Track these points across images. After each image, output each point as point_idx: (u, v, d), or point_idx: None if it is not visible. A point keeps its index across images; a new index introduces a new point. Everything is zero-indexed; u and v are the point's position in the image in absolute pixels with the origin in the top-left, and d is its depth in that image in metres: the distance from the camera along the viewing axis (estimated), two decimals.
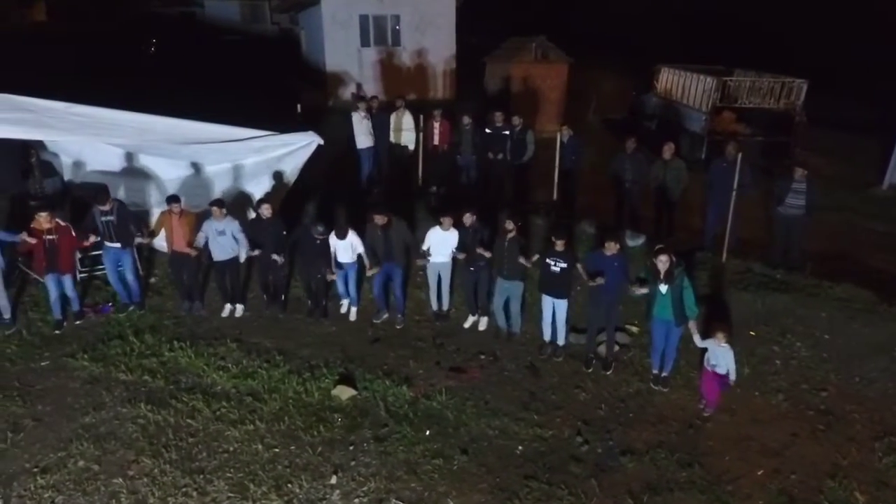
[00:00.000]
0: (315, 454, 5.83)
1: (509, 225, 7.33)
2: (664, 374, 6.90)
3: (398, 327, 8.05)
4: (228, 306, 8.24)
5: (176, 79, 18.05)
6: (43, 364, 6.98)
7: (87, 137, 8.17)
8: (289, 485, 5.46)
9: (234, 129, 8.62)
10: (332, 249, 7.85)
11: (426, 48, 20.00)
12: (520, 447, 6.02)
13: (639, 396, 6.73)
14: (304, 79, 21.67)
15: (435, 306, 8.20)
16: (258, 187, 9.27)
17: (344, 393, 6.68)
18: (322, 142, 8.87)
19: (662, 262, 6.39)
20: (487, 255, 7.44)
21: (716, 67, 15.43)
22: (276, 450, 5.87)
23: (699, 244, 9.29)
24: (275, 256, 7.86)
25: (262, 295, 8.40)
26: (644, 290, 6.74)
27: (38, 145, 9.30)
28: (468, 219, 7.61)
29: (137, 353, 7.19)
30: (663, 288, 6.45)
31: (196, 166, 9.39)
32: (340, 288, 8.18)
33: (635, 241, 8.90)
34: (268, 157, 9.14)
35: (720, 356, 6.32)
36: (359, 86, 19.18)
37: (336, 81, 19.41)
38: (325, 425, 6.18)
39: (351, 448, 5.94)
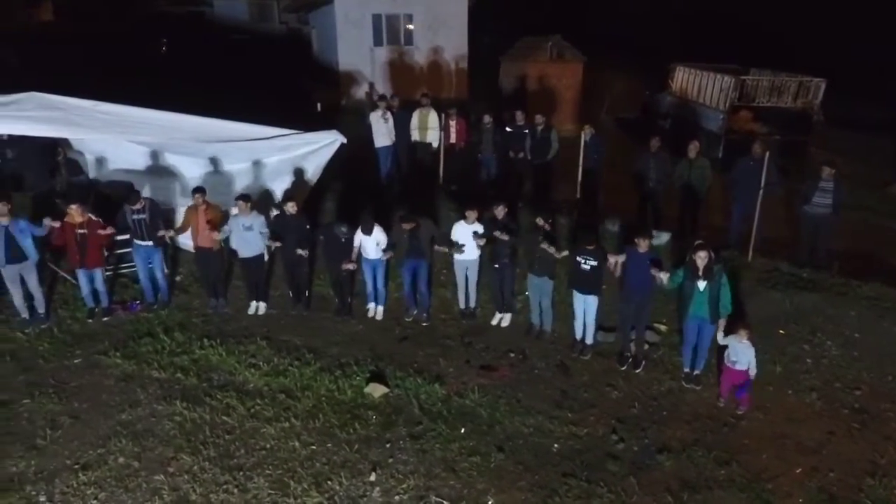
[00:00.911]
0: (352, 451, 5.84)
1: (539, 221, 7.36)
2: (696, 371, 6.90)
3: (424, 324, 8.06)
4: (254, 304, 8.25)
5: (187, 78, 18.06)
6: (76, 361, 7.00)
7: (114, 135, 8.18)
8: (328, 482, 5.48)
9: (258, 127, 8.68)
10: (356, 245, 7.82)
11: (438, 47, 20.01)
12: (555, 445, 6.02)
13: (671, 395, 6.73)
14: (315, 78, 21.71)
15: (462, 304, 8.21)
16: (281, 186, 9.29)
17: (376, 391, 6.69)
18: (345, 140, 8.91)
19: (701, 258, 6.39)
20: (505, 237, 7.44)
21: (730, 66, 15.43)
22: (313, 447, 5.89)
23: (722, 242, 9.28)
24: (300, 251, 7.84)
25: (289, 293, 8.41)
26: (664, 276, 6.68)
27: (64, 143, 9.35)
28: (500, 212, 7.61)
29: (168, 351, 7.20)
30: (701, 285, 6.44)
31: (220, 165, 9.41)
32: (369, 286, 8.15)
33: (660, 239, 8.88)
34: (291, 155, 9.18)
35: (740, 353, 6.32)
36: (371, 85, 19.19)
37: (349, 81, 19.41)
38: (360, 423, 6.20)
39: (387, 445, 5.95)
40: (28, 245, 7.29)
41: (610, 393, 6.81)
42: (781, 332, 7.56)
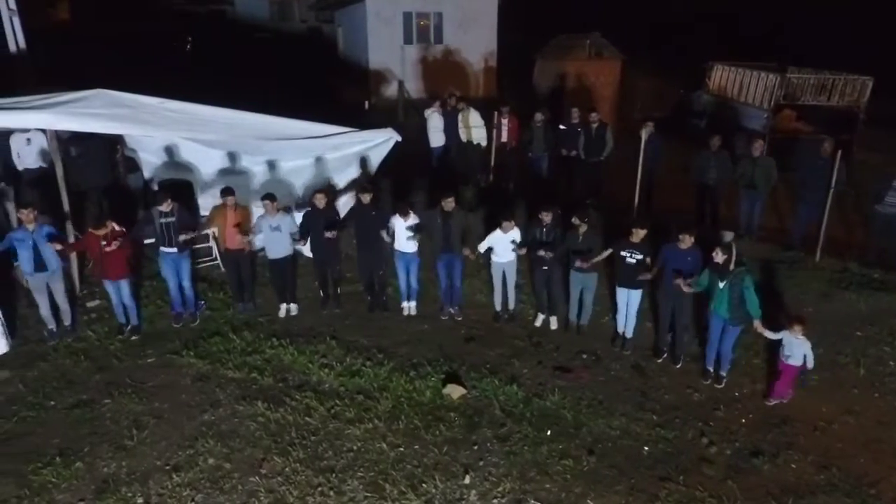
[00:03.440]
0: (442, 454, 5.75)
1: (581, 220, 7.26)
2: (721, 372, 6.80)
3: (458, 319, 7.99)
4: (284, 306, 8.08)
5: (214, 76, 18.04)
6: (149, 361, 6.94)
7: (181, 133, 8.09)
8: (423, 484, 5.39)
9: (316, 125, 8.61)
10: (391, 228, 7.70)
11: (468, 45, 19.95)
12: (645, 448, 5.92)
13: (754, 397, 6.61)
14: (342, 77, 21.67)
15: (499, 307, 8.08)
16: (337, 183, 9.24)
17: (455, 392, 6.60)
18: (400, 138, 8.82)
19: (717, 255, 6.35)
20: (548, 255, 7.31)
21: (768, 64, 15.29)
22: (401, 449, 5.80)
23: (784, 242, 9.19)
24: (327, 233, 7.62)
25: (320, 292, 8.27)
26: (689, 288, 6.57)
27: (120, 141, 9.30)
28: (546, 216, 7.50)
29: (240, 350, 7.14)
30: (721, 283, 6.39)
31: (276, 163, 9.32)
32: (402, 283, 8.06)
33: (726, 238, 8.75)
34: (346, 153, 9.09)
35: (795, 348, 6.25)
36: (401, 83, 19.10)
37: (379, 79, 19.36)
38: (444, 424, 6.11)
39: (475, 448, 5.86)
40: (48, 252, 6.93)
41: (691, 395, 6.70)
42: (858, 333, 7.43)
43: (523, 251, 7.55)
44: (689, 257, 6.69)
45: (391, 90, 19.00)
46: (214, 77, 17.47)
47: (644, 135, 9.54)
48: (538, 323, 7.97)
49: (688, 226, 6.98)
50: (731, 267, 6.34)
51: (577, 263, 7.18)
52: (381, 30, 19.03)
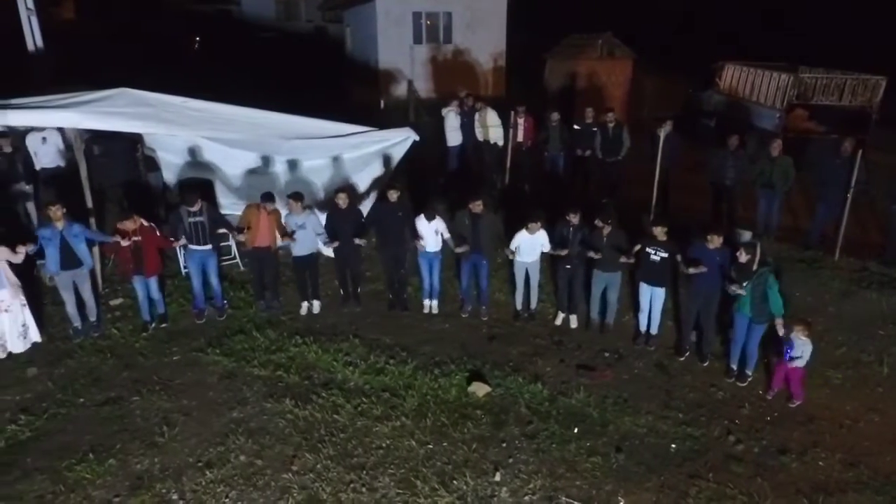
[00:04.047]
0: (470, 451, 5.77)
1: (598, 223, 7.29)
2: (747, 370, 6.84)
3: (483, 319, 8.02)
4: (305, 304, 8.12)
5: (223, 76, 18.07)
6: (175, 359, 6.97)
7: (204, 132, 8.11)
8: (454, 481, 5.41)
9: (336, 124, 8.66)
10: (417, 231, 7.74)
11: (477, 45, 19.97)
12: (673, 445, 5.94)
13: (778, 396, 6.62)
14: (351, 76, 21.70)
15: (520, 305, 8.10)
16: (356, 182, 9.27)
17: (480, 390, 6.63)
18: (418, 138, 8.86)
19: (741, 255, 6.41)
20: (597, 256, 7.30)
21: (779, 64, 15.29)
22: (430, 446, 5.82)
23: (801, 242, 9.20)
24: (357, 241, 7.72)
25: (340, 290, 8.30)
26: (739, 291, 6.54)
27: (140, 140, 9.32)
28: (574, 217, 7.53)
29: (264, 348, 7.17)
30: (744, 282, 6.44)
31: (295, 162, 9.35)
32: (425, 281, 8.11)
33: (744, 237, 8.78)
34: (364, 152, 9.12)
35: (798, 348, 6.27)
36: (410, 83, 19.13)
37: (388, 79, 19.39)
38: (471, 422, 6.13)
39: (503, 445, 5.88)
40: (83, 250, 6.98)
41: (714, 393, 6.72)
42: (881, 332, 7.45)
43: (564, 252, 7.50)
44: (717, 257, 6.71)
45: (401, 90, 19.04)
46: (223, 76, 17.51)
47: (662, 133, 9.56)
48: (558, 322, 8.00)
49: (715, 226, 7.02)
50: (755, 267, 6.37)
51: (622, 259, 7.16)
52: (391, 30, 19.05)
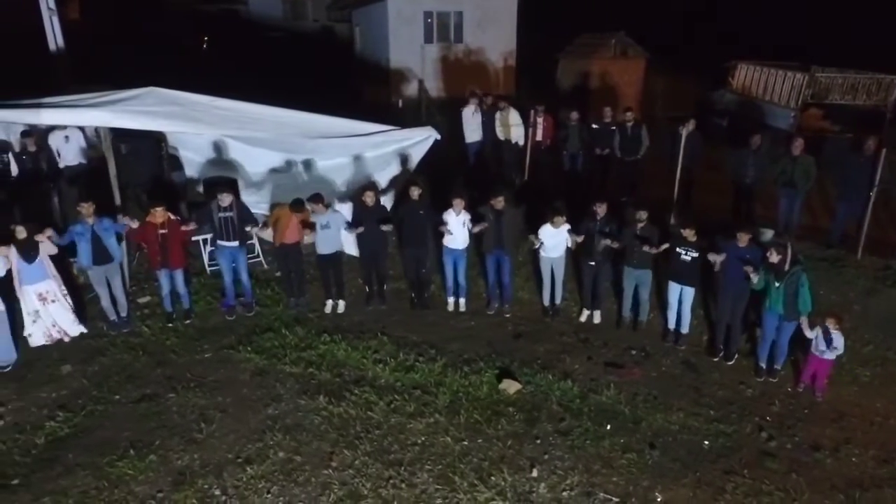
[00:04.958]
0: (506, 447, 5.81)
1: (641, 215, 7.34)
2: (776, 366, 6.91)
3: (506, 316, 8.06)
4: (330, 302, 8.15)
5: (233, 76, 18.08)
6: (206, 356, 7.01)
7: (231, 130, 8.14)
8: (492, 477, 5.45)
9: (358, 123, 8.67)
10: (445, 221, 7.76)
11: (487, 45, 19.99)
12: (706, 442, 5.98)
13: (808, 392, 6.67)
14: (360, 76, 21.72)
15: (547, 302, 8.15)
16: (377, 181, 9.30)
17: (511, 387, 6.67)
18: (440, 136, 8.88)
19: (772, 255, 6.46)
20: (615, 245, 7.40)
21: (792, 64, 15.33)
22: (465, 443, 5.86)
23: (822, 240, 9.23)
24: (383, 227, 7.74)
25: (365, 288, 8.34)
26: (755, 276, 6.61)
27: (164, 138, 9.36)
28: (600, 209, 7.57)
29: (294, 346, 7.21)
30: (776, 282, 6.49)
31: (317, 161, 9.39)
32: (449, 279, 8.13)
33: (765, 237, 8.81)
34: (385, 151, 9.13)
35: (828, 341, 6.37)
36: (421, 82, 19.16)
37: (399, 78, 19.42)
38: (505, 419, 6.18)
39: (538, 442, 5.92)
40: (112, 244, 7.12)
41: (744, 390, 6.77)
42: None
43: (580, 239, 7.56)
44: (747, 255, 6.76)
45: (411, 89, 19.06)
46: (234, 76, 17.52)
47: (684, 132, 9.60)
48: (583, 318, 8.04)
49: (743, 224, 7.07)
50: (787, 266, 6.41)
51: (646, 248, 7.20)
52: (402, 29, 19.07)
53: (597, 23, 20.14)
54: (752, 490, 5.41)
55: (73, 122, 7.72)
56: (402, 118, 13.84)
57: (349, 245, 8.46)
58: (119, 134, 8.47)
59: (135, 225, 7.25)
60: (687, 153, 9.54)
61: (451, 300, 8.26)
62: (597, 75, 15.33)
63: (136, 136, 8.26)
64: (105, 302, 7.27)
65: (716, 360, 7.27)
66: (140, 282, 8.31)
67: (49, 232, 6.81)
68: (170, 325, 7.52)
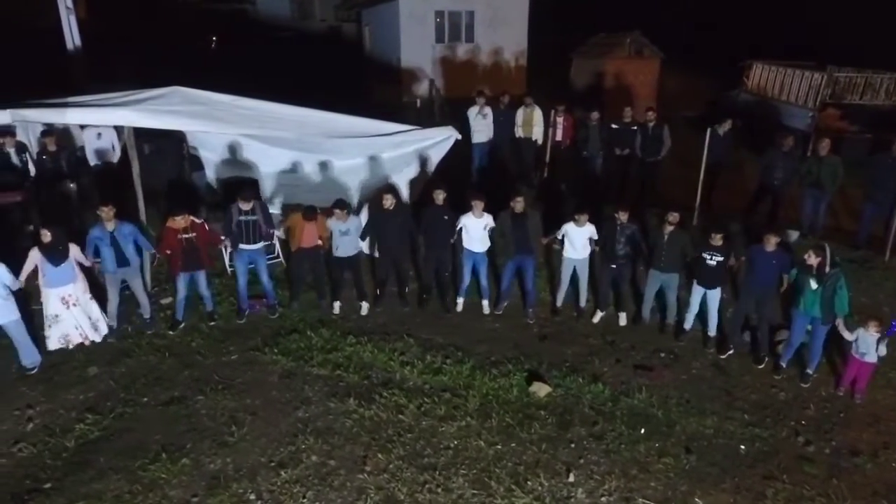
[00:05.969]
0: (540, 451, 5.74)
1: (672, 218, 7.27)
2: (808, 370, 6.81)
3: (530, 321, 7.96)
4: (338, 303, 8.02)
5: (243, 75, 18.01)
6: (233, 358, 6.94)
7: (253, 130, 8.07)
8: (528, 482, 5.38)
9: (379, 122, 8.61)
10: (459, 226, 7.75)
11: (498, 44, 19.93)
12: (742, 446, 5.91)
13: (844, 396, 6.59)
14: (370, 75, 21.64)
15: (559, 302, 8.09)
16: (397, 181, 9.23)
17: (541, 390, 6.59)
18: (460, 136, 8.81)
19: (810, 257, 6.41)
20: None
21: (807, 63, 15.23)
22: (499, 447, 5.79)
23: (848, 242, 9.14)
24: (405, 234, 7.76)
25: (376, 290, 8.20)
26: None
27: (184, 139, 9.30)
28: (623, 215, 7.51)
29: (320, 348, 7.14)
30: (814, 284, 6.42)
31: (336, 161, 9.32)
32: (465, 281, 8.01)
33: (790, 238, 8.74)
34: (405, 151, 9.05)
35: (871, 344, 6.32)
36: (431, 82, 19.08)
37: (410, 77, 19.35)
38: (537, 422, 6.10)
39: (572, 446, 5.85)
40: (131, 251, 7.02)
41: (777, 394, 6.69)
42: None
43: (596, 247, 7.58)
44: (773, 260, 6.69)
45: (422, 89, 18.99)
46: (244, 75, 17.45)
47: (721, 131, 9.54)
48: (596, 319, 7.96)
49: (772, 227, 7.00)
50: (827, 269, 6.34)
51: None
52: (413, 28, 19.00)
53: (605, 21, 20.07)
54: (794, 495, 5.33)
55: (99, 122, 7.68)
56: (420, 118, 13.79)
57: (365, 245, 8.41)
58: (142, 134, 8.44)
59: (168, 253, 7.17)
60: (715, 153, 9.45)
61: (459, 301, 8.17)
62: (611, 75, 15.23)
63: (162, 136, 8.21)
64: (112, 307, 7.18)
65: (724, 356, 7.22)
66: (161, 282, 8.24)
67: (75, 250, 6.75)
68: (171, 332, 7.35)
